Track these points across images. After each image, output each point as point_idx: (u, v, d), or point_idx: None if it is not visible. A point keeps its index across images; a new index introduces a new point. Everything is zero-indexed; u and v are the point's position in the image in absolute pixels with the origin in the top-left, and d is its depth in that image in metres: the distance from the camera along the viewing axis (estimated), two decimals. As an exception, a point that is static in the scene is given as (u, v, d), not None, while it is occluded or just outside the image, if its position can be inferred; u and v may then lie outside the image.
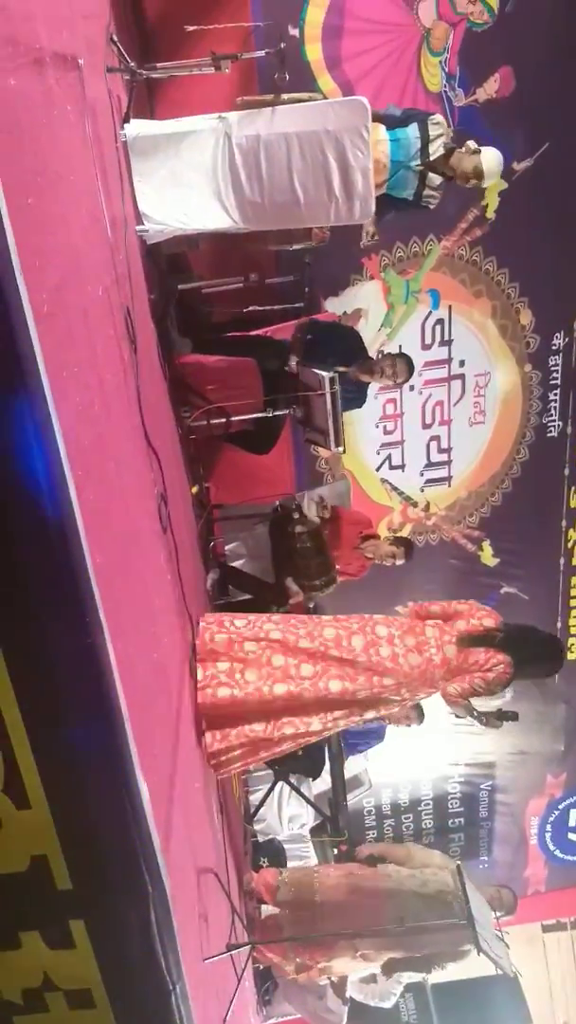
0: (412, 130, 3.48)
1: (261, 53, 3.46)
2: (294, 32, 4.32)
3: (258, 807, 5.23)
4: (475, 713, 3.24)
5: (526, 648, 3.27)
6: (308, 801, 5.25)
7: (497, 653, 3.20)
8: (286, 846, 5.62)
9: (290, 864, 5.53)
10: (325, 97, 3.82)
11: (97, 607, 1.63)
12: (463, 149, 3.55)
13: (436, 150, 3.50)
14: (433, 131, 3.48)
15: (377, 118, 3.45)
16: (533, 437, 5.64)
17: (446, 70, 4.64)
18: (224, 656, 3.16)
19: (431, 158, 3.50)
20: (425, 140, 3.47)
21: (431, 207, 3.65)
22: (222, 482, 5.15)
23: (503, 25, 4.56)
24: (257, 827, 5.43)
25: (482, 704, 3.28)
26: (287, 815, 5.49)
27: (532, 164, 4.86)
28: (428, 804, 6.72)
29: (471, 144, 3.55)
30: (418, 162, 3.48)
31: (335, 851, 5.71)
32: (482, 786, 6.67)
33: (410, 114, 3.60)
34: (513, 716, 3.27)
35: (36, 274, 1.56)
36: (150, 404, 2.91)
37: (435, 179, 3.54)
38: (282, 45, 3.27)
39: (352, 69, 4.46)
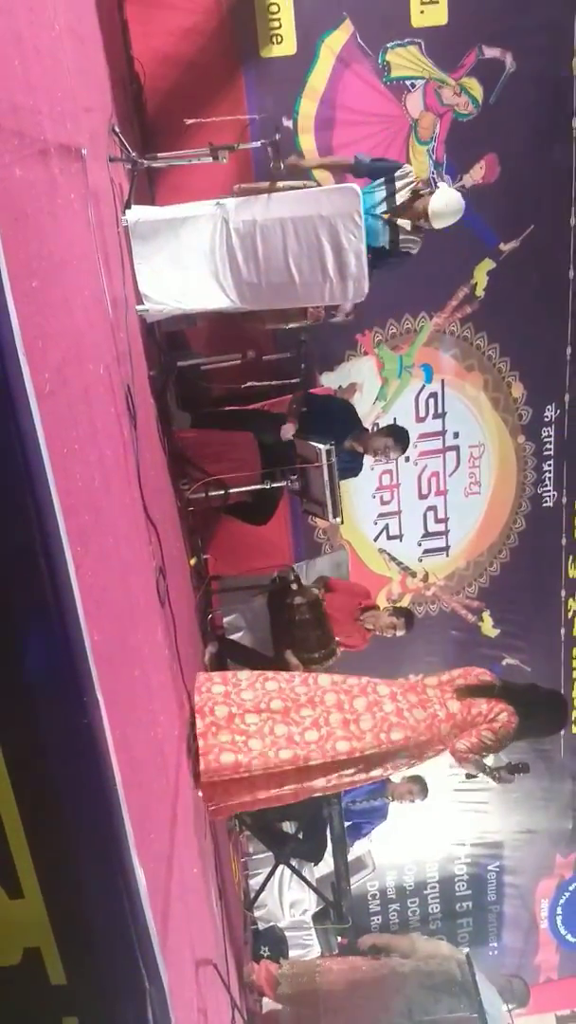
0: (379, 183, 3.57)
1: (257, 144, 3.61)
2: (288, 123, 4.53)
3: (258, 892, 5.05)
4: (487, 769, 3.22)
5: (528, 698, 3.31)
6: (310, 886, 5.07)
7: (499, 702, 3.22)
8: (287, 934, 5.41)
9: (292, 953, 5.31)
10: (318, 184, 3.97)
11: (94, 686, 1.60)
12: (427, 191, 3.60)
13: (402, 196, 3.56)
14: (400, 183, 3.56)
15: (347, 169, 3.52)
16: (529, 507, 5.67)
17: (433, 157, 4.85)
18: (226, 730, 3.12)
19: (397, 204, 3.56)
20: (392, 191, 3.56)
21: (412, 252, 3.68)
22: (220, 553, 5.15)
23: (487, 115, 4.79)
24: (257, 913, 5.24)
25: (492, 760, 3.30)
26: (288, 900, 5.30)
27: (518, 245, 5.03)
28: (434, 887, 6.49)
29: (442, 184, 3.62)
30: (384, 209, 3.55)
31: (338, 939, 5.49)
32: (490, 867, 6.46)
33: (380, 167, 3.66)
34: (525, 768, 3.26)
35: (39, 355, 1.59)
36: (149, 477, 2.93)
37: (406, 224, 3.59)
38: (277, 136, 3.42)
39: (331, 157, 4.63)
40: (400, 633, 4.61)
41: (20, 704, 1.53)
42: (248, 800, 3.17)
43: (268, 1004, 4.05)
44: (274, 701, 3.21)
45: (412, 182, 3.57)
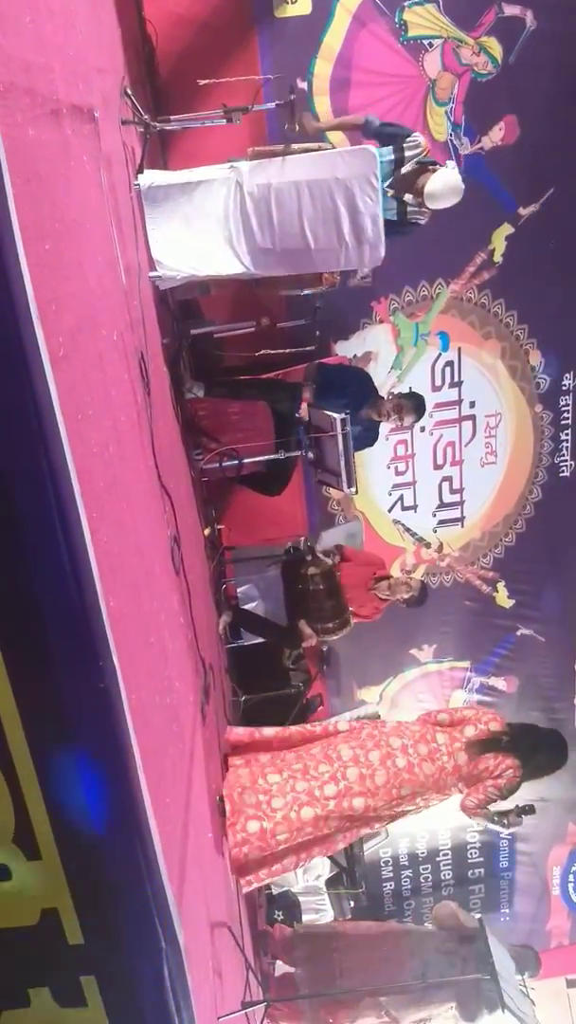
0: (387, 152, 3.48)
1: (271, 105, 3.54)
2: (303, 84, 4.43)
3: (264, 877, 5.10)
4: (495, 819, 3.43)
5: (530, 742, 3.51)
6: (323, 851, 5.11)
7: (506, 757, 3.41)
8: (301, 899, 5.48)
9: (305, 918, 5.38)
10: (333, 147, 3.89)
11: (111, 652, 1.60)
12: (436, 166, 3.50)
13: (407, 168, 3.47)
14: (409, 153, 3.47)
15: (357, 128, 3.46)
16: (546, 477, 5.62)
17: (452, 119, 4.74)
18: (250, 790, 3.34)
19: (402, 175, 3.46)
20: (399, 161, 3.47)
21: (421, 223, 3.59)
22: (234, 524, 5.15)
23: (507, 75, 4.66)
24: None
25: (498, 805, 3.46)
26: (301, 867, 5.35)
27: (538, 209, 4.92)
28: (447, 854, 6.55)
29: (448, 163, 3.52)
30: (388, 183, 3.47)
31: (351, 904, 5.57)
32: (502, 835, 6.49)
33: (388, 131, 3.56)
34: (531, 810, 3.45)
35: (52, 318, 1.58)
36: (163, 447, 2.92)
37: (410, 198, 3.51)
38: (292, 97, 3.34)
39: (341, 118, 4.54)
40: (409, 595, 4.52)
41: (38, 668, 1.54)
42: (277, 869, 3.40)
43: (281, 967, 4.11)
44: (295, 763, 3.45)
45: (421, 152, 3.46)
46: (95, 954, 1.82)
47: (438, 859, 6.61)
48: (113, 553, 1.85)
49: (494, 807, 3.43)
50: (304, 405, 4.16)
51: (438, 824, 6.38)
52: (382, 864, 6.51)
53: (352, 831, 3.48)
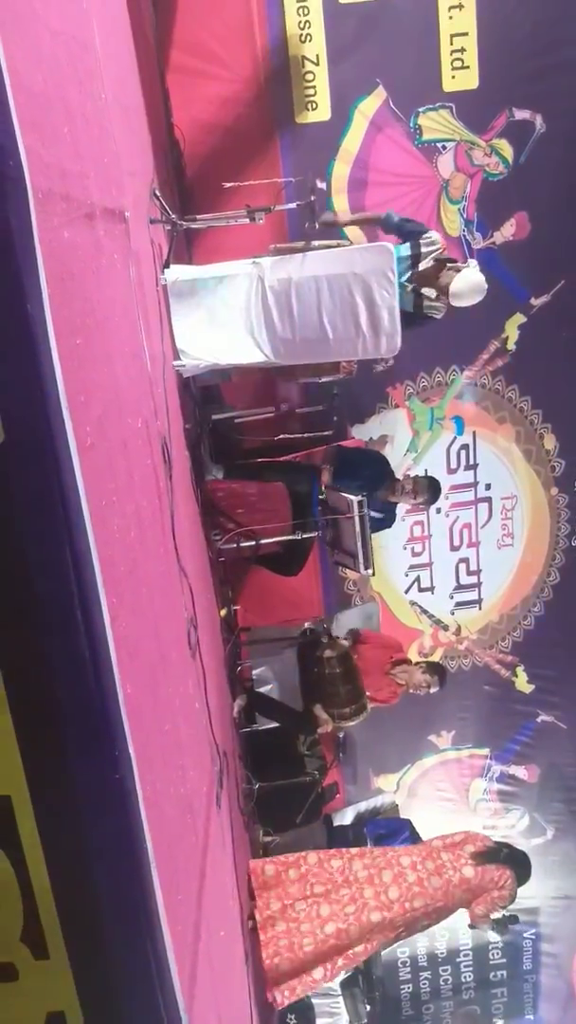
0: (405, 248, 3.61)
1: (292, 205, 3.70)
2: (322, 185, 4.64)
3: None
4: (494, 927, 3.95)
5: (516, 860, 4.01)
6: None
7: (506, 868, 3.88)
8: (315, 1002, 5.23)
9: (320, 1022, 5.12)
10: (352, 243, 4.05)
11: (127, 741, 1.59)
12: (456, 264, 3.64)
13: (425, 264, 3.60)
14: (425, 248, 3.60)
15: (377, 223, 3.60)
16: (563, 560, 5.59)
17: (465, 216, 4.94)
18: (281, 920, 3.77)
19: (420, 271, 3.60)
20: (416, 257, 3.60)
21: (437, 317, 3.71)
22: (250, 604, 5.13)
23: (517, 175, 4.87)
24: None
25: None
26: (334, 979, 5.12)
27: (549, 299, 5.06)
28: (467, 955, 6.24)
29: (471, 262, 3.66)
30: (407, 276, 3.59)
31: (367, 1007, 5.29)
32: (525, 934, 6.20)
33: (407, 228, 3.71)
34: (515, 919, 4.05)
35: (81, 409, 1.62)
36: (182, 528, 2.95)
37: (431, 292, 3.63)
38: (312, 198, 3.50)
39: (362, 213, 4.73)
40: (433, 690, 4.52)
41: (53, 757, 1.53)
42: (309, 981, 3.78)
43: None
44: (316, 886, 3.84)
45: (438, 250, 3.61)
46: (101, 1063, 1.74)
47: (458, 960, 6.30)
48: (131, 639, 1.85)
49: (495, 915, 3.90)
50: (326, 477, 4.22)
51: (458, 923, 6.09)
52: (399, 965, 6.20)
53: (373, 941, 3.79)
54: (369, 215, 4.16)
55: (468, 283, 3.57)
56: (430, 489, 4.37)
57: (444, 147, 4.82)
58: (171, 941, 1.76)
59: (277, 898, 3.80)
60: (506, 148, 4.84)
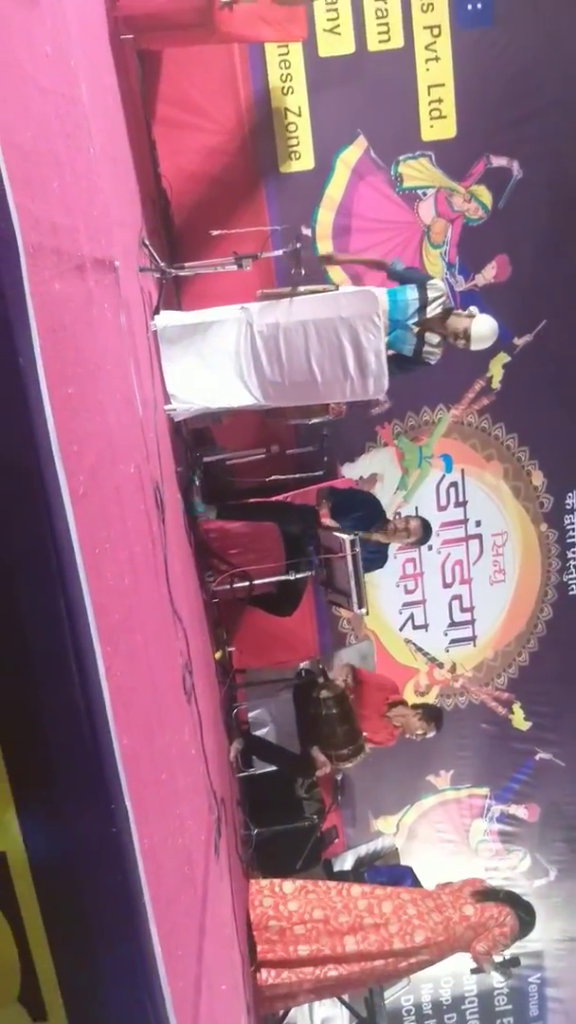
0: (411, 292, 3.70)
1: (279, 252, 3.77)
2: (307, 231, 4.74)
3: (288, 1008, 4.75)
4: (496, 967, 3.92)
5: (518, 904, 4.00)
6: (342, 1001, 4.78)
7: (504, 906, 3.90)
8: (318, 1054, 5.07)
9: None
10: (337, 287, 4.12)
11: (123, 794, 1.56)
12: (461, 312, 3.75)
13: (434, 311, 3.69)
14: (432, 294, 3.70)
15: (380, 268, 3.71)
16: (556, 595, 5.60)
17: (446, 260, 5.04)
18: (279, 943, 3.74)
19: (428, 317, 3.69)
20: (424, 303, 3.68)
21: (431, 363, 3.81)
22: (245, 645, 5.10)
23: (497, 219, 4.99)
24: (286, 1032, 4.92)
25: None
26: (320, 1017, 5.00)
27: (532, 339, 5.15)
28: (472, 1002, 6.09)
29: (472, 309, 3.77)
30: (415, 320, 3.68)
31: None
32: (530, 979, 6.06)
33: (411, 275, 3.83)
34: (517, 962, 4.08)
35: (74, 459, 1.63)
36: (175, 571, 2.94)
37: (433, 338, 3.72)
38: (297, 246, 3.57)
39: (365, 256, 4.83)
40: (430, 735, 4.49)
41: (49, 813, 1.50)
42: (295, 984, 3.76)
43: None
44: (315, 911, 3.80)
45: (443, 297, 3.71)
46: None
47: (463, 1007, 6.15)
48: (126, 688, 1.83)
49: (496, 957, 3.88)
50: (324, 515, 4.24)
51: (462, 969, 5.96)
52: (404, 1013, 6.05)
53: (369, 968, 3.78)
54: (371, 259, 4.26)
55: (489, 327, 3.71)
56: (421, 530, 4.39)
57: (424, 194, 4.94)
58: (171, 999, 1.71)
59: (275, 918, 3.78)
60: (485, 194, 4.97)
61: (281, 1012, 4.63)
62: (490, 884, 4.14)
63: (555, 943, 5.98)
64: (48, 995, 1.60)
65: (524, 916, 3.97)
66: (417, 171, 4.89)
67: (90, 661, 1.49)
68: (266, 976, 3.69)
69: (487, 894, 3.97)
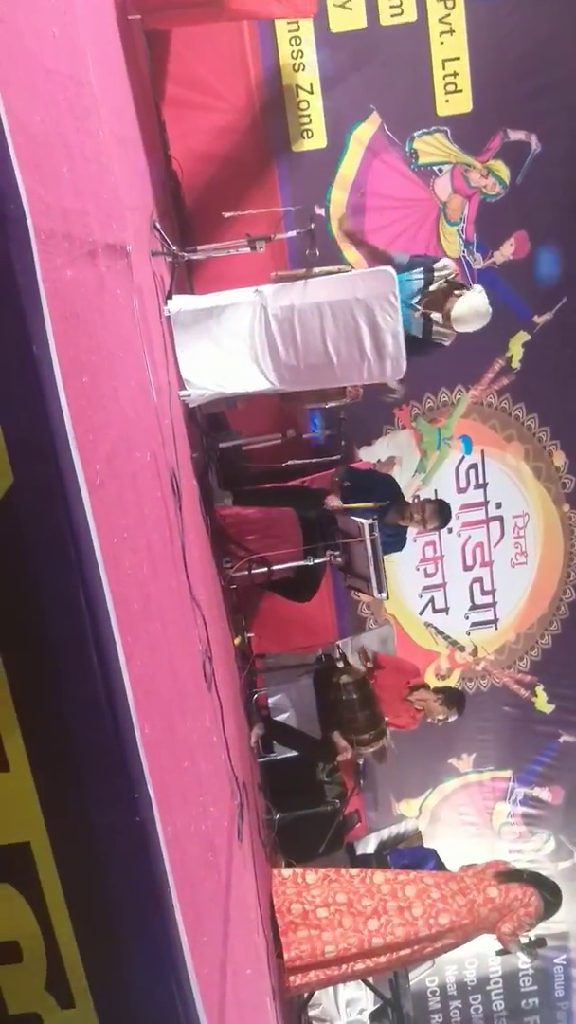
0: (417, 272, 3.64)
1: (292, 233, 3.72)
2: (320, 211, 4.67)
3: (313, 991, 4.79)
4: (523, 948, 3.90)
5: (543, 884, 3.98)
6: (367, 983, 4.80)
7: (528, 886, 3.88)
8: (343, 1035, 5.11)
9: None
10: (352, 268, 4.06)
11: (146, 783, 1.56)
12: (463, 290, 3.64)
13: (437, 284, 3.62)
14: (438, 272, 3.63)
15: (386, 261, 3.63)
16: (579, 577, 5.55)
17: (463, 237, 4.96)
18: (302, 926, 3.71)
19: (430, 296, 3.61)
20: (428, 282, 3.61)
21: (445, 344, 3.73)
22: (264, 631, 5.09)
23: (515, 194, 4.90)
24: (312, 1013, 4.97)
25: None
26: (344, 999, 5.03)
27: (552, 317, 5.06)
28: (498, 983, 6.10)
29: (474, 289, 3.65)
30: (417, 300, 3.61)
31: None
32: (556, 960, 6.07)
33: (415, 262, 3.75)
34: (543, 943, 4.02)
35: (90, 448, 1.61)
36: (193, 558, 2.93)
37: (438, 317, 3.64)
38: (312, 226, 3.52)
39: (375, 241, 4.77)
40: (452, 719, 4.47)
41: (72, 803, 1.50)
42: (323, 975, 3.75)
43: None
44: (339, 895, 3.78)
45: (449, 274, 3.62)
46: None
47: (488, 988, 6.16)
48: (147, 677, 1.82)
49: (522, 938, 3.85)
50: (333, 498, 4.21)
51: (487, 950, 5.97)
52: (429, 994, 6.08)
53: (396, 955, 3.76)
54: (382, 250, 4.19)
55: (470, 307, 3.57)
56: (440, 515, 4.35)
57: (440, 170, 4.85)
58: (197, 984, 1.72)
59: (298, 901, 3.75)
60: (502, 169, 4.87)
61: (306, 995, 4.67)
62: (514, 866, 4.11)
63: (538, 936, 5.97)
64: (75, 983, 1.60)
65: (549, 897, 3.94)
66: (433, 147, 4.80)
67: (111, 652, 1.48)
68: (294, 979, 3.69)
69: (511, 875, 3.95)
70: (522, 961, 6.04)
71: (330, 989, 4.93)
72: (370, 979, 4.87)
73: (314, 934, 3.68)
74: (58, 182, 1.86)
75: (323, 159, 4.71)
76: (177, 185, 4.53)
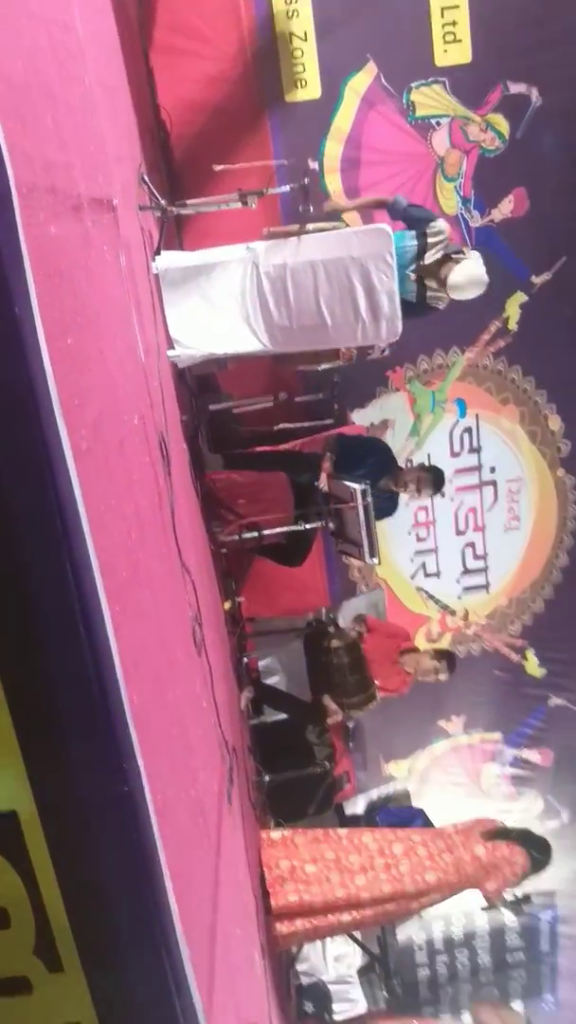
0: (410, 239, 3.54)
1: (286, 188, 3.62)
2: (314, 165, 4.55)
3: (302, 946, 4.89)
4: (509, 904, 3.96)
5: (531, 841, 4.01)
6: (354, 939, 4.90)
7: (515, 845, 3.91)
8: (331, 988, 5.23)
9: (337, 1007, 5.13)
10: (347, 225, 3.96)
11: (134, 753, 1.54)
12: (461, 256, 3.57)
13: (433, 256, 3.53)
14: (432, 239, 3.53)
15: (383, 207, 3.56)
16: (572, 542, 5.53)
17: (461, 194, 4.84)
18: (289, 881, 3.75)
19: (425, 263, 3.53)
20: (423, 248, 3.52)
21: (440, 307, 3.66)
22: (254, 595, 5.08)
23: (514, 150, 4.76)
24: (300, 968, 5.07)
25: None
26: (332, 954, 5.13)
27: (550, 277, 4.97)
28: (484, 938, 6.24)
29: (470, 255, 3.57)
30: (412, 268, 3.53)
31: (385, 994, 5.30)
32: (542, 917, 6.20)
33: (415, 213, 3.64)
34: (528, 899, 4.03)
35: (76, 412, 1.56)
36: (183, 523, 2.89)
37: (433, 284, 3.57)
38: (305, 181, 3.41)
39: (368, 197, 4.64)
40: (443, 677, 4.49)
41: (59, 773, 1.48)
42: (309, 926, 3.77)
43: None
44: (327, 852, 3.83)
45: (444, 240, 3.53)
46: (119, 1074, 1.71)
47: (475, 943, 6.30)
48: (136, 646, 1.80)
49: (507, 895, 3.91)
50: (324, 476, 4.15)
51: (474, 906, 6.10)
52: (416, 949, 6.21)
53: (383, 909, 3.79)
54: (373, 199, 4.08)
55: (467, 275, 3.50)
56: (434, 484, 4.31)
57: (438, 123, 4.72)
58: (187, 947, 1.73)
59: (286, 858, 3.80)
60: (502, 123, 4.74)
61: (295, 950, 4.76)
62: (503, 824, 4.15)
63: (567, 882, 6.08)
64: (63, 948, 1.61)
65: (537, 854, 3.99)
66: (430, 99, 4.66)
67: (98, 622, 1.45)
68: (280, 927, 3.73)
69: (498, 833, 4.00)
70: (509, 918, 6.18)
71: (318, 944, 5.02)
72: (358, 934, 4.97)
73: (301, 887, 3.72)
74: (41, 133, 1.78)
75: (317, 110, 4.57)
76: (166, 136, 4.39)
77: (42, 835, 1.52)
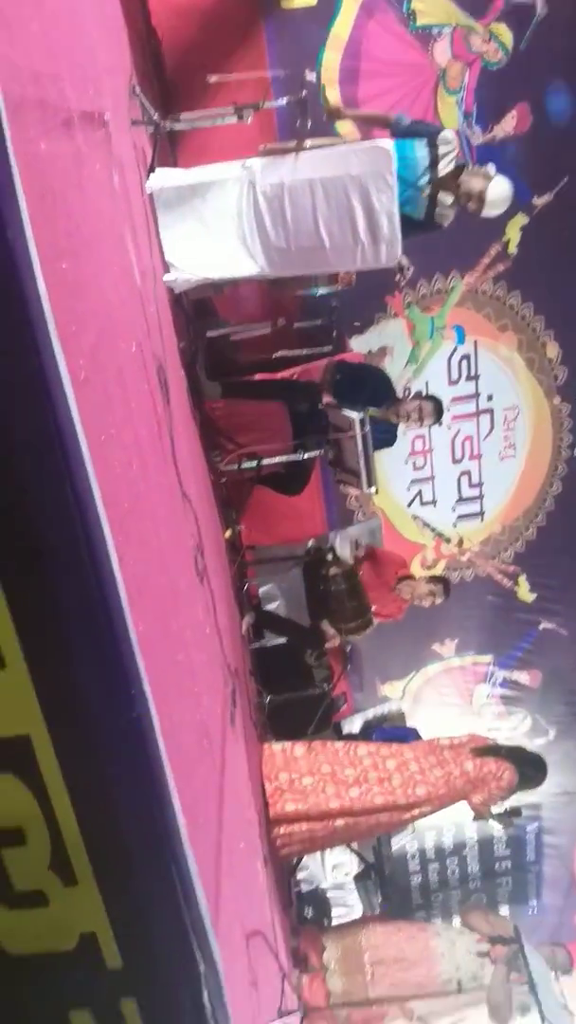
0: (420, 148, 3.40)
1: (283, 102, 3.47)
2: (311, 76, 4.35)
3: (302, 856, 5.10)
4: (495, 817, 4.05)
5: (522, 759, 4.13)
6: (351, 849, 5.11)
7: (504, 761, 4.02)
8: (329, 894, 5.48)
9: (334, 911, 5.39)
10: (345, 140, 3.81)
11: (141, 679, 1.57)
12: (477, 168, 3.47)
13: (446, 167, 3.41)
14: (443, 149, 3.40)
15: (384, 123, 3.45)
16: (566, 470, 5.54)
17: (463, 108, 4.64)
18: (287, 792, 3.88)
19: (440, 176, 3.42)
20: (434, 159, 3.40)
21: (444, 225, 3.57)
22: (254, 523, 5.11)
23: (518, 63, 4.55)
24: (300, 876, 5.30)
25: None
26: (330, 863, 5.36)
27: (552, 199, 4.82)
28: (473, 848, 6.53)
29: (489, 168, 3.48)
30: (427, 180, 3.41)
31: (380, 900, 5.56)
32: (528, 828, 6.47)
33: (419, 129, 3.50)
34: (518, 812, 4.09)
35: (73, 341, 1.54)
36: (182, 452, 2.88)
37: (446, 198, 3.46)
38: (303, 94, 3.27)
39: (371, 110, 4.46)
40: (438, 601, 4.56)
41: (69, 701, 1.51)
42: (306, 833, 3.89)
43: (314, 968, 4.11)
44: (323, 765, 3.96)
45: (454, 151, 3.40)
46: (134, 977, 1.80)
47: (464, 853, 6.59)
48: (139, 575, 1.81)
49: (495, 808, 4.00)
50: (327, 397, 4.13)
51: (464, 818, 6.35)
52: (409, 858, 6.49)
53: (375, 819, 3.92)
54: (376, 113, 3.90)
55: (505, 191, 3.44)
56: (435, 412, 4.28)
57: (440, 33, 4.49)
58: (194, 860, 1.80)
59: (285, 770, 3.94)
60: (505, 33, 4.51)
61: (295, 860, 4.97)
62: (493, 741, 4.26)
63: (552, 796, 6.33)
64: (77, 863, 1.68)
65: (528, 771, 4.11)
66: (432, 7, 4.42)
67: (102, 552, 1.46)
68: (279, 831, 3.86)
69: (488, 750, 4.11)
70: (497, 829, 6.45)
71: (317, 854, 5.24)
72: (354, 845, 5.18)
73: (299, 798, 3.86)
74: (28, 41, 1.69)
75: (314, 17, 4.33)
76: (157, 44, 4.17)
77: (55, 757, 1.57)
